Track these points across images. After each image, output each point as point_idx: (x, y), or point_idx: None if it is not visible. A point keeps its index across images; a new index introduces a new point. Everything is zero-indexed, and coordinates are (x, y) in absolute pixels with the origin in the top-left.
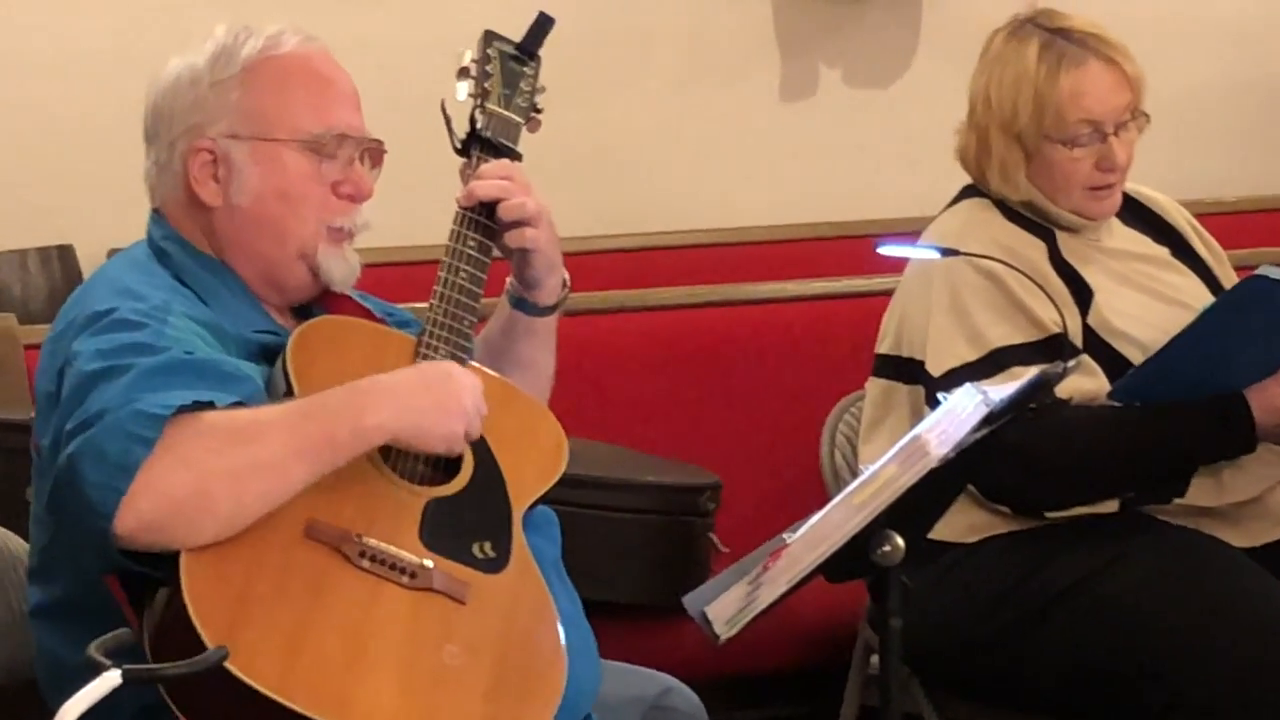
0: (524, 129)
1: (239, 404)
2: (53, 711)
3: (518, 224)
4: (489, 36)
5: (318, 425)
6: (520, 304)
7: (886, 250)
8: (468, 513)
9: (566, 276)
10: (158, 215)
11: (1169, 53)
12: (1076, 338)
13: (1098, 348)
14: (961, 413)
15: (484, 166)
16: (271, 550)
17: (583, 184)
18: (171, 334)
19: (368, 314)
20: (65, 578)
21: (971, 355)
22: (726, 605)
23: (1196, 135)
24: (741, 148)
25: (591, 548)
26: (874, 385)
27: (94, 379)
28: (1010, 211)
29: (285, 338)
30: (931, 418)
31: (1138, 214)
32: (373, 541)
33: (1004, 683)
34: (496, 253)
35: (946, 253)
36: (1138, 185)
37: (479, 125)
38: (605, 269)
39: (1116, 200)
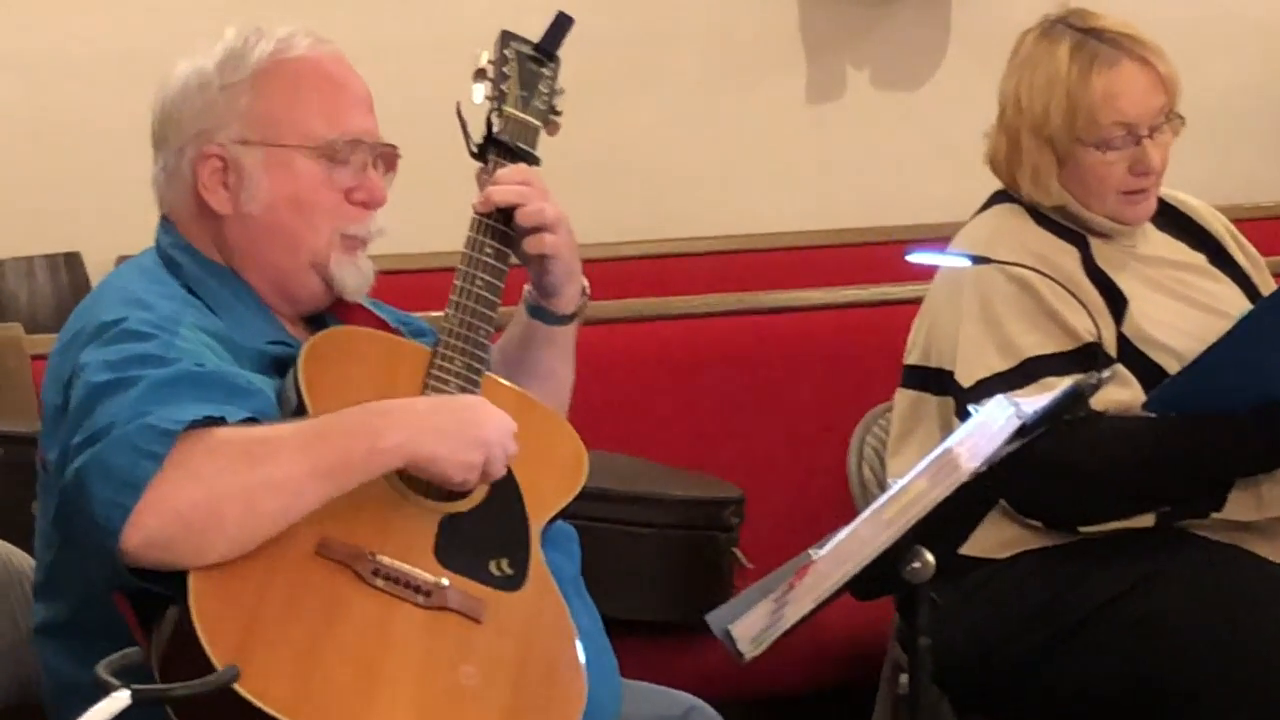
0: (542, 133)
1: (251, 419)
2: None
3: (536, 230)
4: (506, 37)
5: (333, 446)
6: (538, 313)
7: (915, 258)
8: (484, 529)
9: (586, 284)
10: (166, 223)
11: (1204, 53)
12: (1111, 347)
13: (1133, 357)
14: (993, 425)
15: (501, 171)
16: (282, 568)
17: (603, 189)
18: (181, 345)
19: (381, 323)
20: (72, 595)
21: (1003, 365)
22: (751, 623)
23: (1233, 138)
24: (766, 152)
25: (612, 564)
26: (902, 396)
27: (102, 391)
28: (1042, 217)
29: (297, 349)
30: (962, 430)
31: (1173, 220)
32: (386, 559)
33: (1037, 703)
34: (514, 260)
35: (977, 260)
36: (1173, 190)
37: (496, 129)
38: (626, 276)
39: (1151, 205)
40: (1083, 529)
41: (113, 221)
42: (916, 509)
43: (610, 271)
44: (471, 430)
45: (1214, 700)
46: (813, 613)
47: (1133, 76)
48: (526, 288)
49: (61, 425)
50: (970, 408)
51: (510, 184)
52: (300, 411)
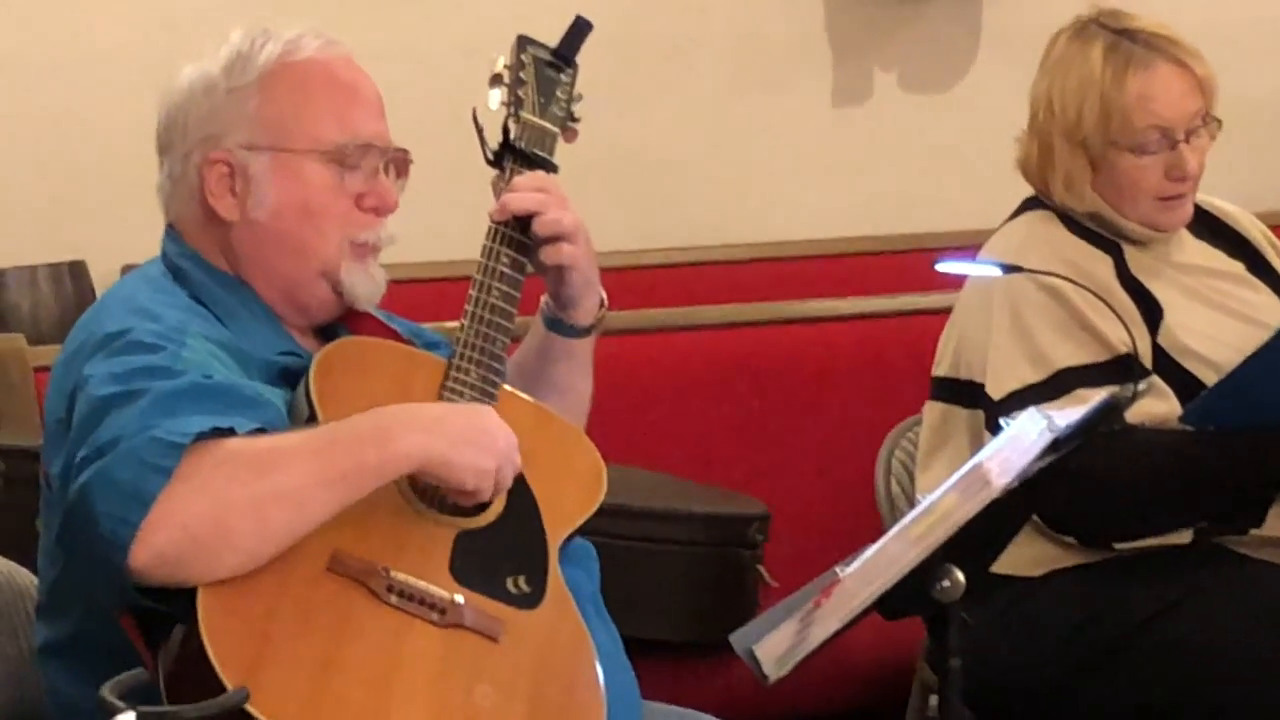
0: (560, 140)
1: (260, 430)
2: None
3: (553, 239)
4: (523, 42)
5: (343, 452)
6: (555, 325)
7: (944, 266)
8: (501, 545)
9: (604, 295)
10: (172, 231)
11: (1242, 54)
12: (1146, 358)
13: (1168, 368)
14: (1025, 439)
15: (518, 179)
16: (294, 585)
17: (622, 196)
18: (189, 356)
19: (394, 335)
20: (76, 614)
21: (1035, 377)
22: (776, 643)
23: (1272, 142)
24: (791, 157)
25: (632, 582)
26: (931, 409)
27: (107, 404)
28: (1075, 224)
29: (308, 360)
30: (993, 444)
31: (1210, 226)
32: (401, 575)
33: None
34: (530, 269)
35: (1008, 269)
36: (1209, 196)
37: (512, 135)
38: (646, 285)
39: (1187, 211)
40: (1118, 546)
41: (118, 230)
42: (946, 526)
43: (630, 280)
44: (485, 437)
45: None
46: (839, 632)
47: (1168, 79)
48: (543, 299)
49: (65, 439)
50: (1001, 421)
51: (527, 191)
52: (312, 424)
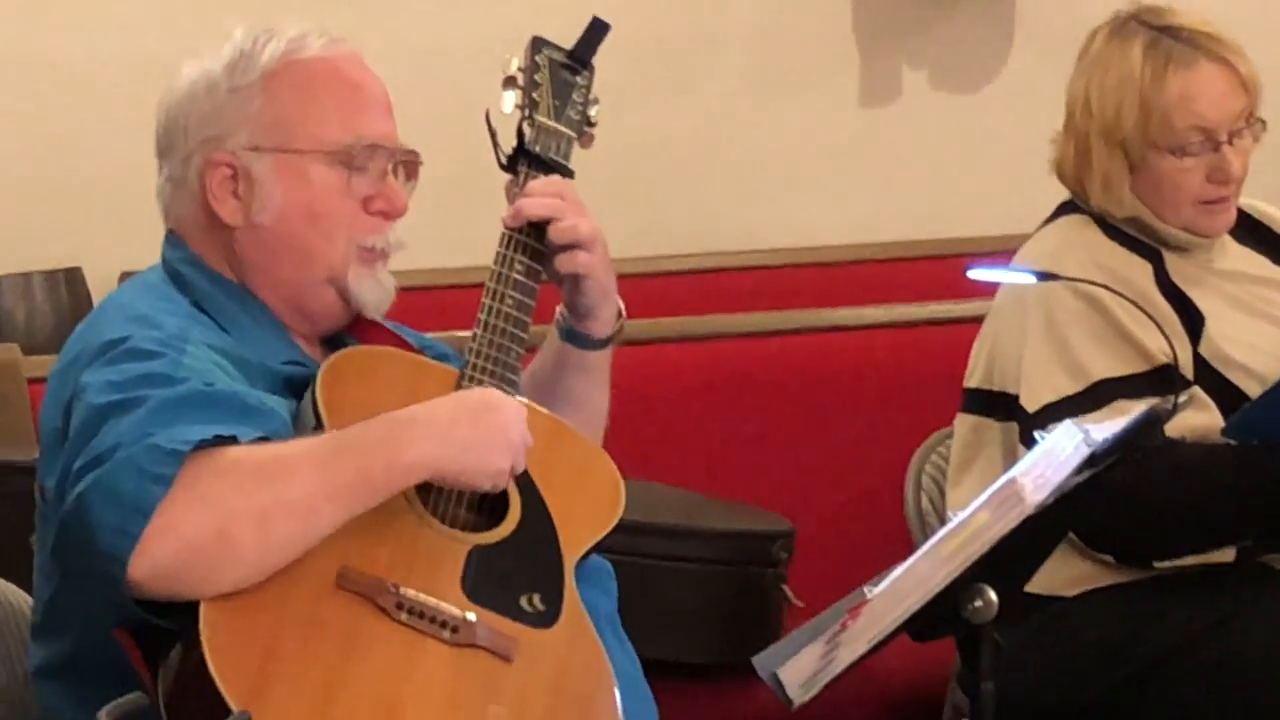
0: (576, 144)
1: (264, 440)
2: None
3: (569, 247)
4: (537, 43)
5: (351, 461)
6: (571, 336)
7: (976, 274)
8: (515, 562)
9: (622, 306)
10: (173, 237)
11: None
12: (1187, 369)
13: (1210, 380)
14: (1061, 453)
15: (532, 184)
16: (300, 601)
17: (640, 200)
18: (190, 364)
19: (404, 344)
20: (72, 633)
21: (1071, 389)
22: (801, 666)
23: None
24: (817, 159)
25: (651, 602)
26: (963, 422)
27: (105, 412)
28: (1112, 229)
29: (314, 369)
30: (1027, 459)
31: (1253, 232)
32: (411, 592)
33: None
34: (545, 278)
35: (1043, 276)
36: (1253, 200)
37: (527, 139)
38: (665, 293)
39: (1230, 216)
40: (1157, 564)
41: (115, 235)
42: (978, 544)
43: (649, 288)
44: (498, 435)
45: None
46: (867, 655)
47: (1211, 77)
48: (559, 310)
49: (61, 450)
50: (1036, 434)
51: (543, 197)
52: (319, 434)
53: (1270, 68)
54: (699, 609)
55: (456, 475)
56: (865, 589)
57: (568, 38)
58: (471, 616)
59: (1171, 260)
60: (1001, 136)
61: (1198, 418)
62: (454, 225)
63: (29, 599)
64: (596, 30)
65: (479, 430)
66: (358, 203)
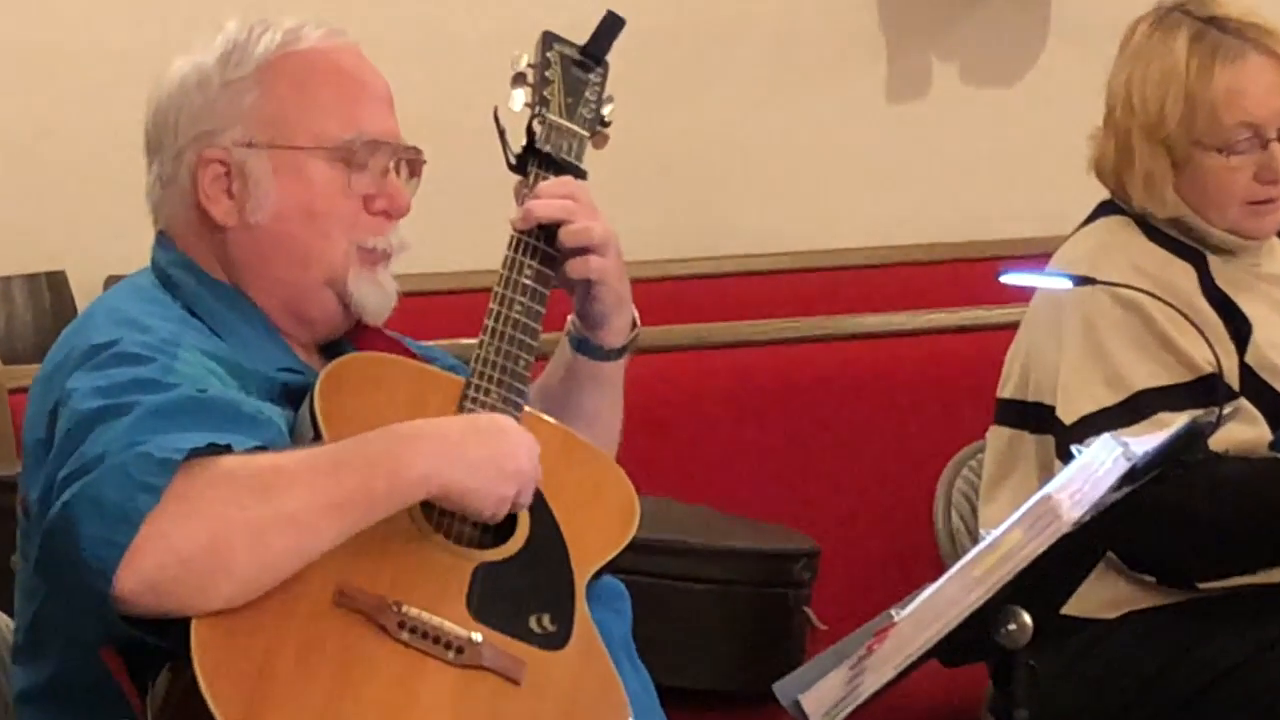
0: (589, 144)
1: (260, 449)
2: None
3: (581, 251)
4: (549, 39)
5: (352, 474)
6: (583, 346)
7: (1010, 278)
8: (523, 580)
9: (636, 315)
10: (163, 238)
11: None
12: (1232, 379)
13: (1257, 390)
14: (1099, 468)
15: (543, 184)
16: (297, 619)
17: (654, 201)
18: (181, 369)
19: (407, 352)
20: (56, 654)
21: (1110, 399)
22: (825, 693)
23: None
24: (840, 157)
25: (667, 624)
26: (996, 435)
27: (92, 419)
28: (1154, 231)
29: (311, 377)
30: (1064, 474)
31: None
32: (413, 611)
33: None
34: (556, 283)
35: (1080, 281)
36: None
37: (537, 137)
38: (682, 298)
39: (1278, 218)
40: (1201, 585)
41: (100, 237)
42: (1012, 564)
43: (663, 292)
44: (507, 462)
45: None
46: (894, 681)
47: (1259, 71)
48: (570, 318)
49: (45, 460)
50: (1073, 448)
51: (553, 198)
52: (318, 444)
53: None
54: (717, 632)
55: (460, 496)
56: (892, 611)
57: (578, 31)
58: (477, 637)
59: (1216, 264)
60: (1037, 134)
61: (1244, 431)
62: (459, 227)
63: (9, 623)
64: (611, 25)
65: (488, 452)
66: (358, 202)
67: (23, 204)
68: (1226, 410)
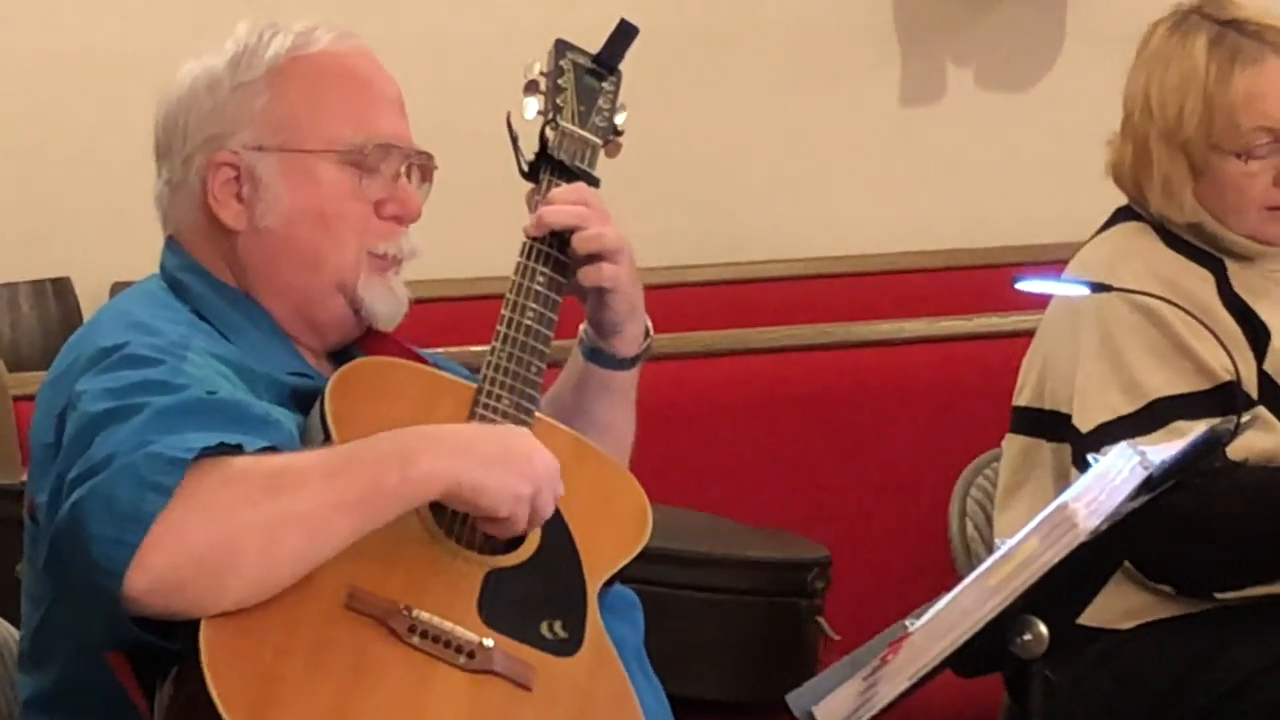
0: (601, 153)
1: (270, 449)
2: None
3: (594, 258)
4: (562, 47)
5: (363, 472)
6: (595, 355)
7: (1026, 285)
8: (535, 586)
9: (649, 324)
10: (172, 243)
11: None
12: (1251, 387)
13: (1276, 398)
14: (1115, 477)
15: (556, 191)
16: (307, 622)
17: (664, 206)
18: (191, 371)
19: (418, 358)
20: (62, 659)
21: (1127, 407)
22: (838, 704)
23: None
24: (853, 161)
25: (679, 634)
26: (1012, 443)
27: (101, 421)
28: (1172, 237)
29: (321, 382)
30: (1080, 482)
31: None
32: (424, 615)
33: None
34: (569, 290)
35: (1097, 287)
36: None
37: (550, 143)
38: (695, 305)
39: None
40: (1220, 595)
41: (107, 244)
42: (1027, 573)
43: (674, 299)
44: (521, 462)
45: None
46: (909, 692)
47: (1279, 75)
48: (582, 327)
49: (53, 465)
50: (1090, 456)
51: (566, 205)
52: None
53: None
54: (729, 642)
55: (474, 492)
56: (907, 621)
57: (590, 36)
58: (488, 642)
59: (1235, 270)
60: (1053, 138)
61: (1262, 439)
62: (471, 233)
63: (15, 633)
64: (624, 34)
65: (502, 450)
66: (369, 206)
67: (28, 210)
68: (1245, 418)
